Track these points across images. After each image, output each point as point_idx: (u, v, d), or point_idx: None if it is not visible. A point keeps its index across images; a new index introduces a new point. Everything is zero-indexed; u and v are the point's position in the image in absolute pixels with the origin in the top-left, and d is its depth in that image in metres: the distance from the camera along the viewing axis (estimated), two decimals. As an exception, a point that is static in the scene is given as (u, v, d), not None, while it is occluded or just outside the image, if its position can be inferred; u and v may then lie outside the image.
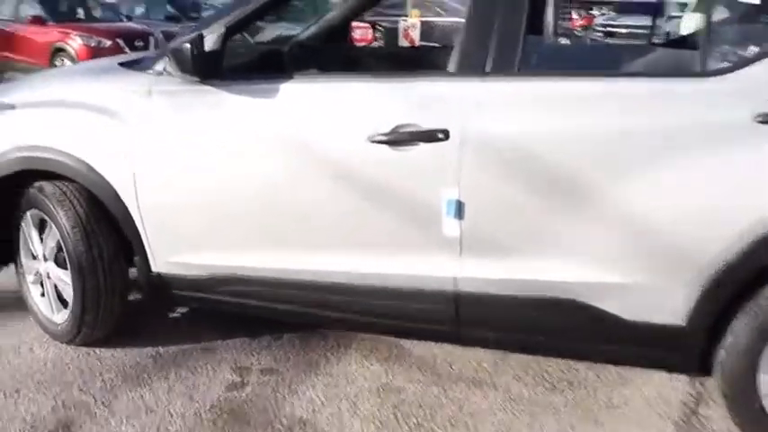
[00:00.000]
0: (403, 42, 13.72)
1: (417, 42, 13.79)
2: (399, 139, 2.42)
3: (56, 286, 3.13)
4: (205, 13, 14.79)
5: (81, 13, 14.29)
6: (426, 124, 2.39)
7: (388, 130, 2.43)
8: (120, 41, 12.58)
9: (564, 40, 13.14)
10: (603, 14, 22.79)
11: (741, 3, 2.68)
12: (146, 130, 2.73)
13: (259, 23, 11.67)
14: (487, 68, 2.39)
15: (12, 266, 3.37)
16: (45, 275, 3.16)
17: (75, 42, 12.46)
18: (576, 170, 2.29)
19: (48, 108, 2.99)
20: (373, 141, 2.44)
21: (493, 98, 2.38)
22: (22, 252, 3.25)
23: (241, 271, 2.80)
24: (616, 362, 2.80)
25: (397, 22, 14.44)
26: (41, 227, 3.09)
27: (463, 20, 2.56)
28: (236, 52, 3.40)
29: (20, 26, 13.29)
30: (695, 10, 11.77)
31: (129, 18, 15.57)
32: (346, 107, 2.57)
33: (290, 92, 2.63)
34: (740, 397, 2.35)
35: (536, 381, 2.95)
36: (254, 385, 2.92)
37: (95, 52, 11.86)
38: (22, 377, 2.96)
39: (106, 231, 2.92)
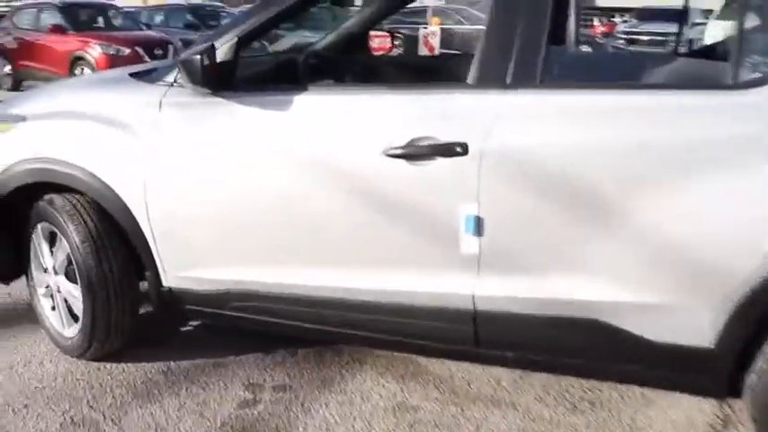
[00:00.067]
0: (423, 50, 13.69)
1: (437, 50, 13.76)
2: (416, 152, 2.34)
3: (66, 300, 3.09)
4: (224, 22, 14.86)
5: (101, 21, 14.41)
6: (444, 137, 2.32)
7: (404, 143, 2.35)
8: (140, 50, 12.66)
9: (586, 48, 13.05)
10: (625, 21, 22.66)
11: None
12: (156, 143, 2.69)
13: (278, 31, 11.72)
14: (508, 80, 2.31)
15: (23, 278, 3.34)
16: (55, 289, 3.12)
17: (94, 51, 12.55)
18: (600, 186, 2.20)
19: (58, 120, 2.95)
20: (389, 155, 2.36)
21: (514, 111, 2.30)
22: (33, 265, 3.22)
23: (253, 286, 2.73)
24: (640, 383, 2.70)
25: (417, 29, 14.43)
26: (52, 240, 3.06)
27: (483, 28, 2.48)
28: (250, 62, 3.35)
29: (40, 35, 13.43)
30: (719, 17, 11.65)
31: (149, 26, 15.70)
32: (361, 119, 2.50)
33: (304, 103, 2.57)
34: (771, 422, 2.24)
35: (557, 401, 2.86)
36: (266, 403, 2.85)
37: (114, 61, 11.95)
38: (32, 392, 2.93)
39: (116, 245, 2.88)
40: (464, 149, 2.28)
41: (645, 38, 19.81)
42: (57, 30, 13.14)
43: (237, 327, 2.99)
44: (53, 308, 3.19)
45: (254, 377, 3.04)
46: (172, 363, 3.14)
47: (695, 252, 2.15)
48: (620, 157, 2.18)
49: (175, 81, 2.70)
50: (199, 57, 2.48)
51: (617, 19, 22.88)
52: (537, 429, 2.68)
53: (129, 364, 3.12)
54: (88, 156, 2.80)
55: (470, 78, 2.40)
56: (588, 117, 2.24)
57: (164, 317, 3.10)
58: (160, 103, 2.70)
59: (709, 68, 2.86)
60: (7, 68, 13.71)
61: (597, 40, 20.08)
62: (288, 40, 12.06)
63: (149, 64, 4.05)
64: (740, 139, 2.08)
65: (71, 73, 12.42)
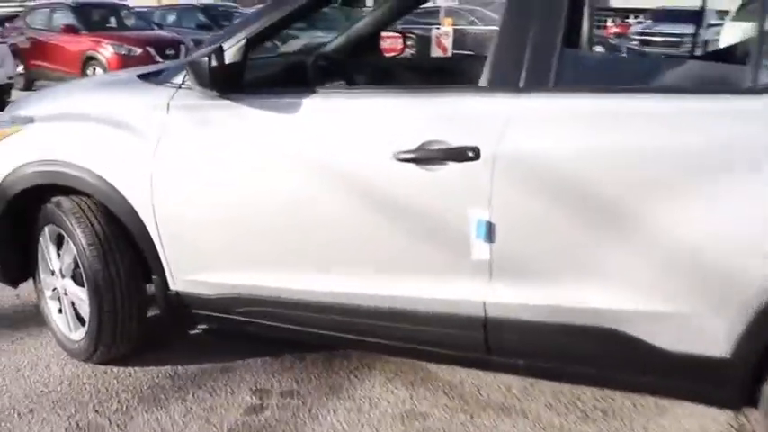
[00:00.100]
0: (435, 51, 13.62)
1: (450, 51, 13.69)
2: (426, 156, 2.30)
3: (73, 303, 3.07)
4: (234, 23, 14.86)
5: (113, 21, 14.46)
6: (455, 141, 2.27)
7: (414, 147, 2.31)
8: (151, 50, 12.69)
9: (600, 50, 12.96)
10: (640, 22, 22.53)
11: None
12: (163, 146, 2.65)
13: (290, 32, 11.70)
14: (521, 83, 2.26)
15: (31, 281, 3.32)
16: (62, 292, 3.11)
17: (106, 51, 12.59)
18: (615, 191, 2.15)
19: (65, 122, 2.93)
20: (399, 159, 2.32)
21: (527, 115, 2.25)
22: (41, 267, 3.21)
23: (262, 290, 2.70)
24: (654, 393, 2.65)
25: (429, 30, 14.36)
26: (59, 242, 3.04)
27: (496, 30, 2.44)
28: (259, 64, 3.31)
29: (53, 35, 13.49)
30: (735, 18, 11.53)
31: (161, 26, 15.71)
32: (371, 122, 2.46)
33: (313, 106, 2.53)
34: (789, 434, 2.19)
35: (568, 409, 2.82)
36: (273, 409, 2.82)
37: (126, 61, 11.98)
38: (38, 396, 2.91)
39: (123, 248, 2.86)
40: (476, 154, 2.23)
41: (659, 39, 19.69)
42: (69, 30, 13.19)
43: (245, 331, 2.96)
44: (60, 311, 3.18)
45: (261, 382, 3.00)
46: (179, 367, 3.12)
47: (711, 259, 2.10)
48: (634, 162, 2.13)
49: (183, 83, 2.67)
50: (206, 59, 2.45)
51: (631, 20, 22.74)
52: (548, 438, 2.64)
53: (135, 368, 3.10)
54: (95, 158, 2.77)
55: (483, 81, 2.35)
56: (602, 121, 2.19)
57: (171, 321, 3.07)
58: (168, 105, 2.67)
59: (726, 72, 2.80)
60: (20, 68, 13.76)
61: (610, 41, 19.95)
62: (300, 40, 12.03)
63: (158, 65, 4.02)
64: (759, 144, 2.03)
65: (83, 73, 12.46)
